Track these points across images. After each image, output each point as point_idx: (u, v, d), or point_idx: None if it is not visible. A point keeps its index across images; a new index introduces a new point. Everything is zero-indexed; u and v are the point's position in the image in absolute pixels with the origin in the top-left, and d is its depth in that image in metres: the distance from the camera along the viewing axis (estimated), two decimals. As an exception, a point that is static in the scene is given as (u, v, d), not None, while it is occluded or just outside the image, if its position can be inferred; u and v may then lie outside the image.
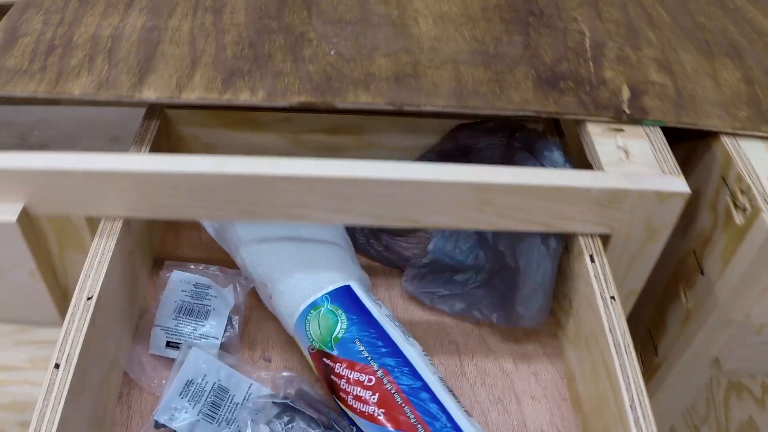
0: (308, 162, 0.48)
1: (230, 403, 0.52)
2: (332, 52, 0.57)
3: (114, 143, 1.51)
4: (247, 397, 0.53)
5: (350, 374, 0.49)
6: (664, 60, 0.60)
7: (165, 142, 0.66)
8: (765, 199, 0.51)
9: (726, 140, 0.56)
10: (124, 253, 0.54)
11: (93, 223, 0.53)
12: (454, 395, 0.50)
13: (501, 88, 0.55)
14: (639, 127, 0.55)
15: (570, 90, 0.56)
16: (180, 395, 0.51)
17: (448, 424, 0.46)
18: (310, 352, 0.52)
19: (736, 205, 0.54)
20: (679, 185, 0.50)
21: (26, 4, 0.63)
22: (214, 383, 0.53)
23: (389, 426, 0.47)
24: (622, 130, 0.54)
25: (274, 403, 0.50)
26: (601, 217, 0.51)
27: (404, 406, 0.47)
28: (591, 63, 0.59)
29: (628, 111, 0.55)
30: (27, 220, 0.52)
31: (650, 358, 0.68)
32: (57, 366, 0.45)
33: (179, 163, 0.49)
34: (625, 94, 0.56)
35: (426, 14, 0.63)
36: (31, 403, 1.03)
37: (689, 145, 0.60)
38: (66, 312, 0.47)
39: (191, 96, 0.53)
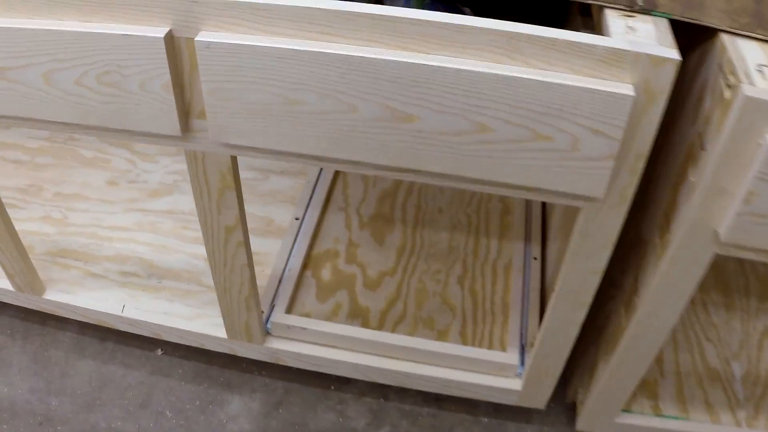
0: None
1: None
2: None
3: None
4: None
5: None
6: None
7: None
8: (746, 75, 0.62)
9: (724, 36, 0.67)
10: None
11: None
12: None
13: (540, -21, 0.69)
14: (648, 16, 0.67)
15: (596, -14, 0.69)
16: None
17: None
18: None
19: (727, 85, 0.65)
20: (671, 53, 0.62)
21: None
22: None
23: None
24: (633, 17, 0.67)
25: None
26: (607, 75, 0.64)
27: None
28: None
29: (640, 3, 0.67)
30: (171, 39, 0.70)
31: (665, 236, 0.78)
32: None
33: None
34: (643, -7, 0.69)
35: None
36: (131, 257, 1.23)
37: (702, 48, 0.72)
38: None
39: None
